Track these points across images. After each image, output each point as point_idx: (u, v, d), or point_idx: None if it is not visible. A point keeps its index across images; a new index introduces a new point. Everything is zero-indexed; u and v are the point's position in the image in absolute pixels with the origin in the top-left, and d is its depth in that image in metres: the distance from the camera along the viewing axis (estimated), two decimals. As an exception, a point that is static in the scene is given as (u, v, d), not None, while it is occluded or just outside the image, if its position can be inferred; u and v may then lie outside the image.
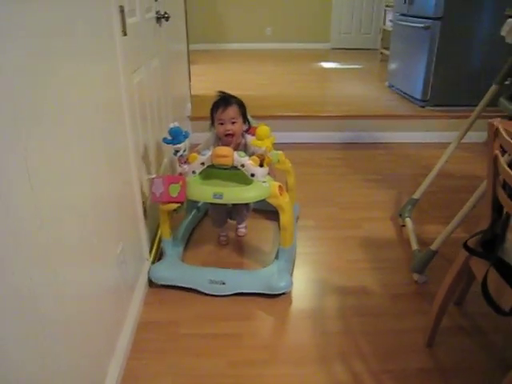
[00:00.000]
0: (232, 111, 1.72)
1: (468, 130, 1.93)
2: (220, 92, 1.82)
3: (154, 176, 1.66)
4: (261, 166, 1.61)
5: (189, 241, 1.99)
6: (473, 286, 1.57)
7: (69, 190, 1.01)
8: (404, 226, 2.08)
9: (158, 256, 1.84)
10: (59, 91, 0.97)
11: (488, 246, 1.18)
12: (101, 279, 1.24)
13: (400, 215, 2.14)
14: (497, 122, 1.08)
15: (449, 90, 3.38)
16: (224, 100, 1.75)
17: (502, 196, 1.08)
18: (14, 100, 0.77)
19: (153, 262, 1.76)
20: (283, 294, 1.65)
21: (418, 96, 3.49)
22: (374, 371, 1.35)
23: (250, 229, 2.09)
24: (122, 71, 1.46)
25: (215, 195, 1.55)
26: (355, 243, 2.00)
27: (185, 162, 1.65)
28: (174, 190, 1.56)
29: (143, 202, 1.69)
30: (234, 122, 1.72)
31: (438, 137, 3.20)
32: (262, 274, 1.66)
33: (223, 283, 1.62)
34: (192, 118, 3.21)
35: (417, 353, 1.42)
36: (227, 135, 1.73)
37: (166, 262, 1.73)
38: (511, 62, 1.75)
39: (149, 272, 1.69)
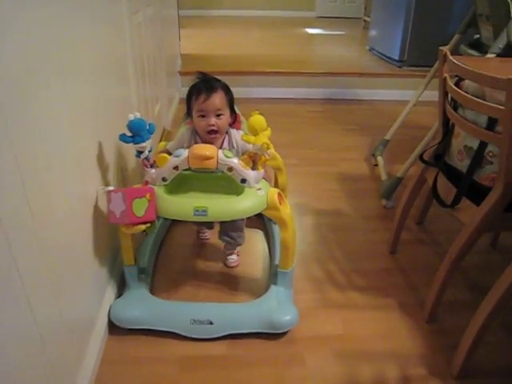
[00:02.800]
0: (218, 99, 1.30)
1: (434, 72, 2.14)
2: (199, 73, 1.40)
3: (110, 188, 1.19)
4: (253, 168, 1.26)
5: (157, 262, 1.58)
6: (432, 207, 1.82)
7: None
8: (376, 165, 2.32)
9: (117, 287, 1.40)
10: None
11: (439, 157, 1.41)
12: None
13: (373, 155, 2.38)
14: (445, 48, 1.31)
15: (424, 51, 3.56)
16: (206, 84, 1.33)
17: (449, 110, 1.30)
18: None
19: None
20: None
21: (396, 57, 3.71)
22: (345, 270, 1.60)
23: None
24: (126, 11, 1.65)
25: (197, 211, 1.16)
26: (332, 177, 2.24)
27: (151, 166, 1.26)
28: (140, 207, 1.15)
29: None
30: (219, 115, 1.32)
31: (413, 95, 3.42)
32: (258, 308, 1.31)
33: (210, 323, 1.26)
34: (182, 73, 3.38)
35: (381, 257, 1.67)
36: (210, 132, 1.33)
37: (132, 297, 1.33)
38: (472, 12, 1.97)
39: (109, 312, 1.29)
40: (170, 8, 3.36)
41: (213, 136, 1.34)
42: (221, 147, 1.35)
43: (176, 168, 1.22)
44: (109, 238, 1.36)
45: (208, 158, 1.18)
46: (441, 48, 1.31)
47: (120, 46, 1.63)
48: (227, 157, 1.20)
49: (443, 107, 1.35)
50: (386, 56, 3.95)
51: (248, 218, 1.40)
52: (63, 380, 0.99)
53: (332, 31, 5.78)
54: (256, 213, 1.24)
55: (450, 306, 1.41)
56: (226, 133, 1.40)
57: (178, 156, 1.21)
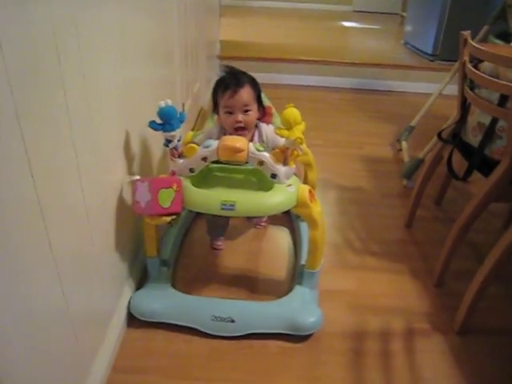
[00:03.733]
0: (246, 94, 1.28)
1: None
2: (227, 67, 1.38)
3: (136, 177, 1.18)
4: (284, 163, 1.20)
5: (179, 255, 1.56)
6: (449, 190, 1.92)
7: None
8: (400, 150, 2.42)
9: (138, 279, 1.39)
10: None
11: (456, 136, 1.52)
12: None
13: (398, 140, 2.48)
14: (466, 33, 1.41)
15: (457, 46, 3.63)
16: (233, 78, 1.30)
17: (467, 91, 1.41)
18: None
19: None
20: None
21: (429, 51, 3.77)
22: (363, 238, 1.72)
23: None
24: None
25: (225, 205, 1.12)
26: (356, 159, 2.36)
27: (179, 156, 1.24)
28: (166, 198, 1.12)
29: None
30: (247, 111, 1.29)
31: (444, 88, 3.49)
32: (282, 308, 1.27)
33: (232, 320, 1.22)
34: (220, 57, 3.54)
35: (397, 230, 1.79)
36: (237, 129, 1.31)
37: (153, 289, 1.31)
38: (502, 4, 2.05)
39: (129, 304, 1.27)
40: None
41: (241, 132, 1.30)
42: (251, 142, 1.28)
43: (204, 159, 1.18)
44: (132, 228, 1.33)
45: (239, 151, 1.14)
46: (462, 32, 1.42)
47: (169, 31, 1.79)
48: (258, 150, 1.16)
49: (462, 88, 1.46)
50: (419, 50, 4.01)
51: (274, 215, 1.44)
52: (76, 374, 0.97)
53: (368, 25, 5.84)
54: (285, 210, 1.21)
55: (459, 274, 1.52)
56: (256, 127, 1.37)
57: (207, 147, 1.17)
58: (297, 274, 1.39)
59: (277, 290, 1.40)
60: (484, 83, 1.29)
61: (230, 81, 1.29)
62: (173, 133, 1.20)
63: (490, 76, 1.27)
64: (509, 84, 1.17)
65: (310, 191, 1.23)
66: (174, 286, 1.37)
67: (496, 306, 1.43)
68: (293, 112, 1.15)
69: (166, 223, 1.16)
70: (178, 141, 1.23)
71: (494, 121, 1.28)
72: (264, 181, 1.21)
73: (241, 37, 4.43)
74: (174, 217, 1.16)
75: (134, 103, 1.29)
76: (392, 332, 1.31)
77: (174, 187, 1.14)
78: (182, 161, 1.22)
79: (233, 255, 1.58)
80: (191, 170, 1.21)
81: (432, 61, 3.75)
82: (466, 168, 1.38)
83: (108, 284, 1.17)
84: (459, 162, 1.46)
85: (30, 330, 0.75)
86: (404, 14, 5.56)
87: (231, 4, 6.30)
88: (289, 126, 1.14)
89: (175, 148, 1.23)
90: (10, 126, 0.66)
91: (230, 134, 1.29)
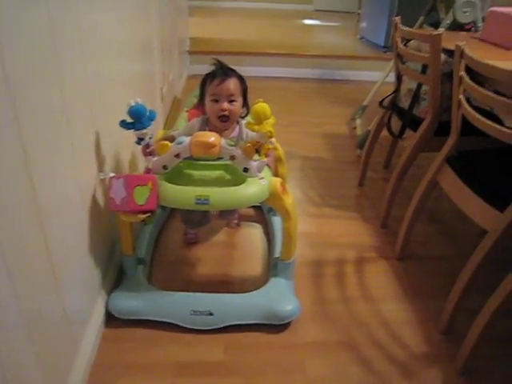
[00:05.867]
0: (232, 85, 1.32)
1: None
2: (215, 60, 1.42)
3: (111, 175, 1.16)
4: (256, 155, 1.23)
5: (155, 252, 1.58)
6: (395, 156, 2.26)
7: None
8: (355, 128, 2.75)
9: (115, 277, 1.39)
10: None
11: (394, 103, 1.84)
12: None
13: (352, 118, 2.81)
14: (397, 18, 1.73)
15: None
16: (222, 70, 1.36)
17: (399, 65, 1.73)
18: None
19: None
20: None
21: (381, 43, 4.15)
22: (321, 194, 2.04)
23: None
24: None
25: (198, 200, 1.13)
26: (316, 135, 2.69)
27: (151, 153, 1.26)
28: (141, 195, 1.12)
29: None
30: (232, 101, 1.33)
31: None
32: (259, 299, 1.30)
33: (210, 313, 1.24)
34: (190, 52, 3.82)
35: (351, 188, 2.12)
36: (221, 117, 1.33)
37: (130, 287, 1.31)
38: (433, -1, 2.40)
39: (107, 303, 1.27)
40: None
41: (224, 123, 1.34)
42: (228, 136, 1.34)
43: (177, 156, 1.18)
44: (107, 227, 1.33)
45: (211, 146, 1.15)
46: (394, 18, 1.74)
47: (147, 29, 2.07)
48: (229, 144, 1.18)
49: (397, 64, 1.78)
50: (373, 43, 4.40)
51: (247, 212, 1.62)
52: (54, 379, 0.95)
53: (327, 22, 6.22)
54: (258, 202, 1.26)
55: (399, 219, 1.84)
56: (237, 123, 1.40)
57: (179, 143, 1.18)
58: (272, 266, 1.43)
59: (253, 282, 1.43)
60: (410, 57, 1.62)
61: (219, 71, 1.35)
62: (144, 131, 1.23)
63: (414, 50, 1.60)
64: (426, 55, 1.49)
65: (281, 184, 1.26)
66: (150, 283, 1.39)
67: (426, 240, 1.76)
68: (262, 107, 1.16)
69: (140, 221, 1.15)
70: (150, 138, 1.26)
71: (419, 86, 1.61)
72: (237, 175, 1.24)
73: (209, 34, 4.71)
74: (148, 215, 1.15)
75: (122, 91, 1.51)
76: (345, 260, 1.62)
77: (149, 185, 1.14)
78: (155, 158, 1.23)
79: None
80: (164, 167, 1.21)
81: (385, 52, 4.13)
82: (400, 127, 1.70)
83: (83, 284, 1.16)
84: (396, 123, 1.79)
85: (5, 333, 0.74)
86: (360, 12, 5.97)
87: (199, 5, 6.58)
88: (259, 120, 1.16)
89: (147, 146, 1.26)
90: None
91: (213, 125, 1.35)
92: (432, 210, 1.97)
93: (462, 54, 1.26)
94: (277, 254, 1.45)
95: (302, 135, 2.67)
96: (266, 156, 1.26)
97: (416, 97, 1.62)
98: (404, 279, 1.53)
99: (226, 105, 1.32)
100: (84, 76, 1.12)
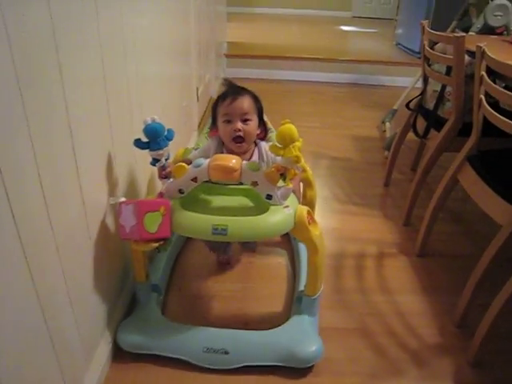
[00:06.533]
0: (246, 103, 1.22)
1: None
2: (226, 80, 1.35)
3: (121, 199, 1.07)
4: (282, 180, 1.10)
5: (171, 279, 1.47)
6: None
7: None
8: (385, 131, 2.79)
9: (126, 305, 1.31)
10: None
11: (420, 105, 1.88)
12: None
13: (382, 122, 2.85)
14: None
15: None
16: (234, 88, 1.29)
17: (426, 67, 1.78)
18: None
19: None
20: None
21: (416, 49, 4.16)
22: (347, 193, 2.10)
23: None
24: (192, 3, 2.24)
25: (216, 230, 1.03)
26: (346, 137, 2.75)
27: (167, 176, 1.18)
28: (152, 222, 1.03)
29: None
30: (246, 120, 1.22)
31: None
32: (280, 338, 1.18)
33: (225, 352, 1.14)
34: (227, 56, 3.95)
35: (376, 187, 2.19)
36: (236, 138, 1.22)
37: (141, 317, 1.23)
38: (465, 5, 2.43)
39: (116, 334, 1.18)
40: (220, 3, 3.96)
41: (239, 144, 1.23)
42: (249, 159, 1.25)
43: (195, 179, 1.08)
44: (121, 250, 1.26)
45: (231, 171, 1.04)
46: (421, 21, 1.79)
47: (186, 32, 2.20)
48: (252, 169, 1.06)
49: (424, 66, 1.83)
50: (408, 49, 4.42)
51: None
52: None
53: (365, 29, 6.25)
54: (282, 233, 1.17)
55: (422, 218, 1.88)
56: (256, 145, 1.29)
57: (197, 166, 1.07)
58: (295, 300, 1.31)
59: (274, 317, 1.32)
60: (436, 58, 1.66)
61: (230, 90, 1.27)
62: (160, 151, 1.15)
63: (440, 53, 1.65)
64: (450, 57, 1.54)
65: (308, 212, 1.13)
66: (164, 312, 1.30)
67: (448, 239, 1.79)
68: (289, 128, 1.03)
69: (153, 249, 1.07)
70: (166, 159, 1.18)
71: (443, 87, 1.65)
72: (258, 201, 1.12)
73: (246, 39, 4.84)
74: (161, 242, 1.07)
75: (160, 90, 1.63)
76: (366, 254, 1.68)
77: (162, 210, 1.04)
78: (170, 181, 1.14)
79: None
80: (180, 191, 1.11)
81: (419, 58, 4.12)
82: (425, 127, 1.75)
83: (92, 314, 1.09)
84: (421, 124, 1.83)
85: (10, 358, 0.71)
86: (397, 18, 5.98)
87: (238, 11, 6.74)
88: (285, 143, 1.03)
89: (163, 167, 1.18)
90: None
91: (228, 148, 1.26)
92: (457, 211, 2.00)
93: (483, 54, 1.30)
94: (302, 286, 1.31)
95: (333, 137, 2.73)
96: (293, 182, 1.15)
97: (441, 98, 1.67)
98: (422, 274, 1.57)
99: (239, 124, 1.21)
100: (125, 76, 1.22)
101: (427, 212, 1.60)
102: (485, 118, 1.32)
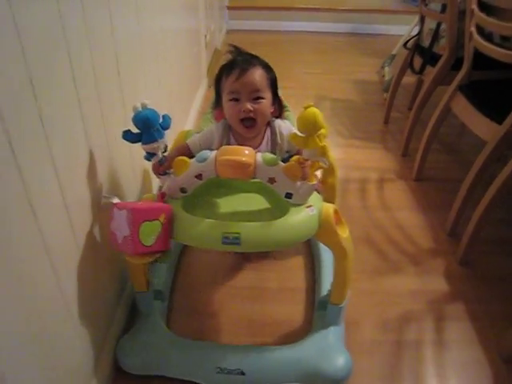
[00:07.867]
0: (257, 76, 1.00)
1: None
2: (233, 47, 1.09)
3: (115, 200, 0.86)
4: (302, 177, 0.88)
5: (175, 284, 1.28)
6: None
7: None
8: (384, 76, 2.94)
9: (126, 316, 1.13)
10: None
11: (417, 44, 2.03)
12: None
13: (382, 66, 2.99)
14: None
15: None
16: (242, 58, 1.04)
17: (422, 7, 1.91)
18: None
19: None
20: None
21: (415, -3, 4.24)
22: (350, 129, 2.28)
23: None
24: None
25: (226, 238, 0.85)
26: (348, 81, 2.91)
27: (165, 172, 0.94)
28: (149, 233, 0.83)
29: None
30: (258, 98, 1.00)
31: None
32: (303, 354, 1.02)
33: (241, 373, 0.98)
34: (229, 8, 4.02)
35: (377, 124, 2.36)
36: (245, 121, 1.01)
37: (143, 332, 1.05)
38: None
39: (115, 353, 1.01)
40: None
41: (249, 128, 1.02)
42: (259, 145, 1.06)
43: (199, 176, 0.89)
44: (116, 255, 1.01)
45: (244, 166, 0.85)
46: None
47: None
48: (268, 163, 0.86)
49: (421, 7, 1.97)
50: (407, -3, 4.50)
51: None
52: None
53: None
54: (305, 239, 0.94)
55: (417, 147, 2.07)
56: (268, 125, 1.07)
57: (202, 161, 0.88)
58: (317, 307, 1.15)
59: (294, 329, 1.16)
60: (432, -2, 1.81)
61: (238, 60, 1.03)
62: (154, 144, 0.90)
63: (437, -7, 1.79)
64: (446, -5, 1.68)
65: (335, 211, 0.95)
66: (168, 325, 1.13)
67: (443, 166, 1.98)
68: (314, 114, 0.82)
69: (149, 262, 0.88)
70: (163, 153, 0.93)
71: (439, 25, 1.80)
72: (275, 200, 0.96)
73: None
74: (159, 255, 0.88)
75: (170, 40, 1.80)
76: (368, 179, 1.87)
77: (161, 219, 0.85)
78: (170, 177, 0.93)
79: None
80: (182, 190, 0.92)
81: (416, 6, 4.21)
82: (421, 63, 1.91)
83: (86, 331, 0.89)
84: (418, 62, 1.99)
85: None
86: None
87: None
88: (308, 131, 0.82)
89: (160, 162, 0.93)
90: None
91: (234, 132, 1.07)
92: (452, 143, 2.18)
93: (474, -11, 1.45)
94: (323, 291, 1.17)
95: (334, 82, 2.89)
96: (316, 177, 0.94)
97: (436, 35, 1.82)
98: (419, 195, 1.77)
99: (248, 104, 0.99)
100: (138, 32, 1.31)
101: (422, 139, 1.79)
102: (475, 53, 1.48)
